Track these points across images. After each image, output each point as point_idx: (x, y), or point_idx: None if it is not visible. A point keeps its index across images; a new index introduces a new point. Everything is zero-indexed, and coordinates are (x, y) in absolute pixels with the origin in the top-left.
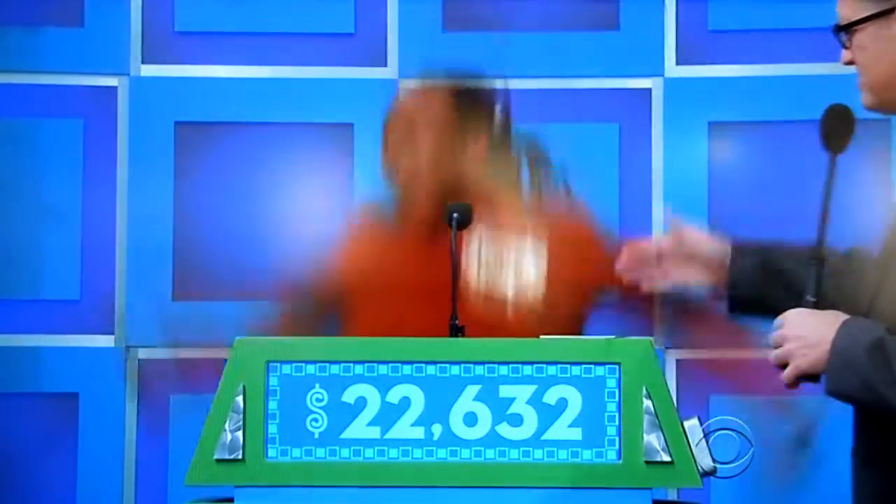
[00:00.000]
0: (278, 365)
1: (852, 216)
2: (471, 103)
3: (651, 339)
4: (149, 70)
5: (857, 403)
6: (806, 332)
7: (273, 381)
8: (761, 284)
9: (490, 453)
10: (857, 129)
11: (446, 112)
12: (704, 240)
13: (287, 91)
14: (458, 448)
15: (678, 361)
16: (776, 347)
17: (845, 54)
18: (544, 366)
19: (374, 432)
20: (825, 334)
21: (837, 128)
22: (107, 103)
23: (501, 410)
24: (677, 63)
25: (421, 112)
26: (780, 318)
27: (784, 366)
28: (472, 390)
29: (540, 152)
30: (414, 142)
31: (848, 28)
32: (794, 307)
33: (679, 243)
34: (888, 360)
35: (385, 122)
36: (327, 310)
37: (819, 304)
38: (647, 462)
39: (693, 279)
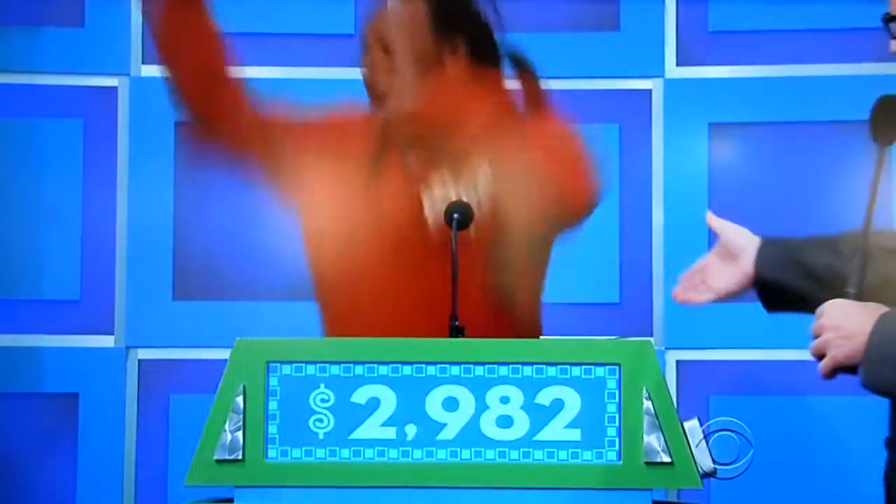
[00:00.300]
0: (278, 365)
1: (853, 214)
2: (446, 13)
3: (651, 339)
4: (149, 70)
5: (892, 397)
6: (844, 323)
7: (273, 381)
8: (785, 275)
9: (490, 454)
10: (866, 128)
11: (422, 24)
12: (739, 237)
13: (287, 91)
14: (458, 449)
15: (678, 362)
16: (815, 338)
17: (893, 44)
18: (544, 366)
19: (376, 433)
20: (863, 326)
21: (887, 120)
22: (107, 103)
23: (501, 411)
24: (677, 64)
25: (397, 27)
26: (820, 308)
27: (822, 356)
28: (473, 391)
29: (524, 60)
30: (391, 58)
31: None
32: (819, 296)
33: (720, 247)
34: None
35: (362, 38)
36: None
37: (860, 297)
38: (647, 463)
39: (730, 283)
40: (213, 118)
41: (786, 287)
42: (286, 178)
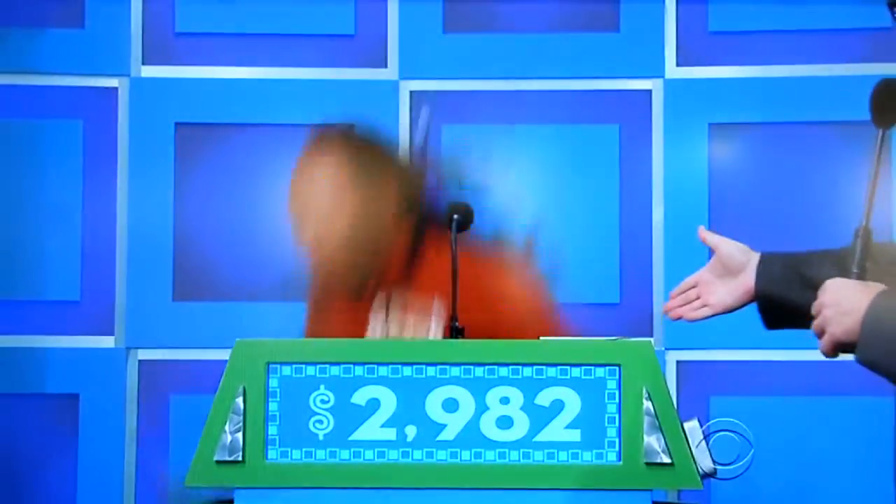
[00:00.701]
0: (278, 366)
1: (854, 214)
2: (379, 164)
3: (651, 340)
4: (149, 71)
5: (883, 374)
6: (843, 300)
7: (273, 382)
8: (787, 289)
9: (490, 455)
10: (866, 128)
11: (353, 176)
12: (737, 252)
13: (287, 92)
14: (459, 450)
15: (678, 363)
16: (816, 316)
17: None
18: (544, 367)
19: (376, 434)
20: (861, 303)
21: (885, 103)
22: (107, 104)
23: (501, 412)
24: (677, 64)
25: (326, 178)
26: (822, 287)
27: (822, 334)
28: (473, 392)
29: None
30: (323, 208)
31: None
32: None
33: (716, 262)
34: None
35: (291, 187)
36: None
37: (863, 277)
38: (647, 463)
39: (730, 299)
40: None
41: (788, 302)
42: None
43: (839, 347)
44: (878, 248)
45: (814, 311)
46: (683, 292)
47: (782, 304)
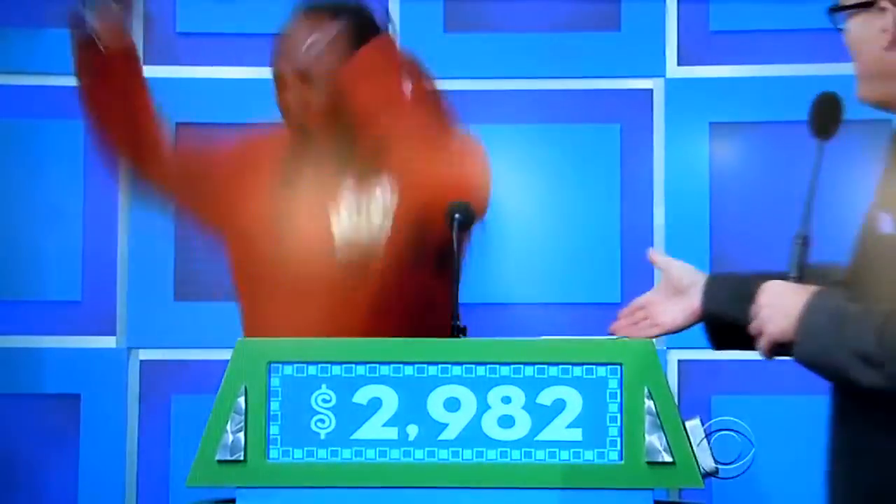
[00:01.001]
0: (280, 366)
1: (851, 215)
2: (358, 32)
3: (652, 339)
4: (150, 71)
5: (819, 371)
6: (779, 301)
7: (275, 381)
8: (731, 308)
9: (492, 454)
10: (845, 120)
11: (336, 46)
12: (685, 272)
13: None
14: (460, 449)
15: (680, 362)
16: (754, 318)
17: (845, 37)
18: (546, 366)
19: (378, 433)
20: (797, 303)
21: (825, 115)
22: None
23: (503, 411)
24: (678, 64)
25: (311, 52)
26: (759, 289)
27: (761, 335)
28: (474, 391)
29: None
30: (310, 88)
31: (838, 11)
32: None
33: (665, 283)
34: (845, 329)
35: (275, 73)
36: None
37: (801, 281)
38: (648, 462)
39: (680, 318)
40: (137, 162)
41: (733, 320)
42: (209, 211)
43: (776, 347)
44: (821, 268)
45: (752, 313)
46: (631, 314)
47: (727, 322)
